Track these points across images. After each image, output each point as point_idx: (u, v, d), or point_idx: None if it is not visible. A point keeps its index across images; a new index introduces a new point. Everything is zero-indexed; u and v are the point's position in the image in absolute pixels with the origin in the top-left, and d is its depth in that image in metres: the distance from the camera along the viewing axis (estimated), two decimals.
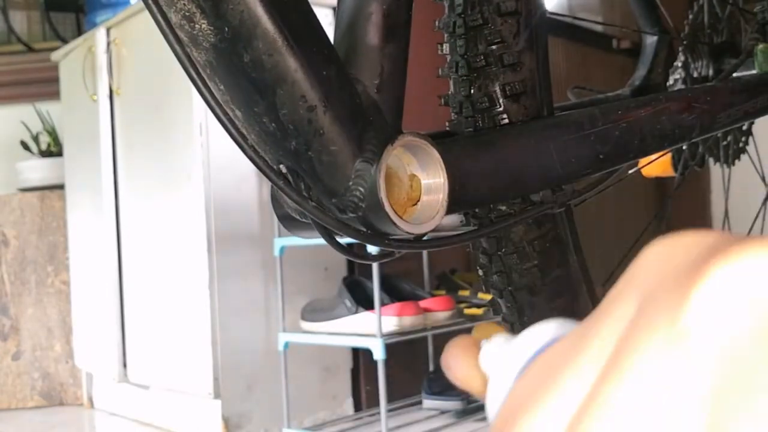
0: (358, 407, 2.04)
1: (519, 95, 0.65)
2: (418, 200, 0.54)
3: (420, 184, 0.54)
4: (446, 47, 0.68)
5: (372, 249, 1.49)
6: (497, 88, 0.65)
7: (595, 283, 0.73)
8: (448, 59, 0.68)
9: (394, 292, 1.85)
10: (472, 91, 0.65)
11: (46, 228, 2.43)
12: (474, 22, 0.65)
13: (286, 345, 1.81)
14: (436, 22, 0.68)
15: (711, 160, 1.16)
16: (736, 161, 1.16)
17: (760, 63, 0.98)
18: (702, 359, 0.15)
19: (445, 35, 0.68)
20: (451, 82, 0.68)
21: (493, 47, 0.65)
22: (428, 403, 1.95)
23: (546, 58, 0.67)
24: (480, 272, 0.71)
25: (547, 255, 0.68)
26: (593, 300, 0.72)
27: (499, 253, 0.68)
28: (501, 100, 0.65)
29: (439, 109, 0.70)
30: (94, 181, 2.15)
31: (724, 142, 1.13)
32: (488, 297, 0.74)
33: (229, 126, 0.49)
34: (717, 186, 3.14)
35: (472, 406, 1.98)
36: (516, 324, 0.70)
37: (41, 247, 2.42)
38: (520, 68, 0.65)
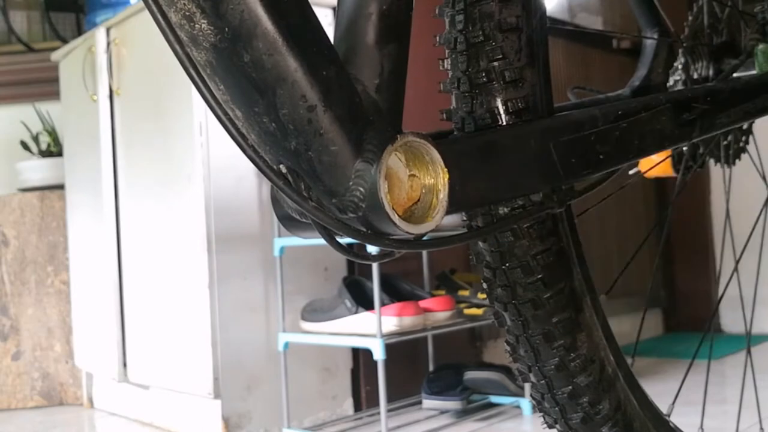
0: (358, 407, 2.04)
1: (521, 111, 0.65)
2: (418, 200, 0.54)
3: (420, 184, 0.54)
4: (447, 63, 0.67)
5: (372, 249, 1.49)
6: (499, 105, 0.65)
7: (597, 292, 0.72)
8: (449, 75, 0.68)
9: (394, 292, 1.85)
10: (474, 107, 0.65)
11: (46, 228, 2.43)
12: (475, 39, 0.65)
13: (286, 345, 1.81)
14: (437, 38, 0.68)
15: (711, 161, 1.16)
16: (737, 161, 1.16)
17: (761, 63, 0.99)
18: None
19: (446, 51, 0.68)
20: (453, 98, 0.68)
21: (495, 63, 0.65)
22: (428, 403, 1.95)
23: (547, 71, 0.67)
24: (484, 286, 0.71)
25: (551, 268, 0.68)
26: (597, 311, 0.72)
27: (503, 267, 0.68)
28: (503, 117, 0.65)
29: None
30: (94, 181, 2.15)
31: (725, 142, 1.13)
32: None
33: (229, 126, 0.49)
34: (717, 186, 3.14)
35: (472, 406, 1.98)
36: (521, 336, 0.70)
37: (41, 247, 2.42)
38: (522, 84, 0.65)
